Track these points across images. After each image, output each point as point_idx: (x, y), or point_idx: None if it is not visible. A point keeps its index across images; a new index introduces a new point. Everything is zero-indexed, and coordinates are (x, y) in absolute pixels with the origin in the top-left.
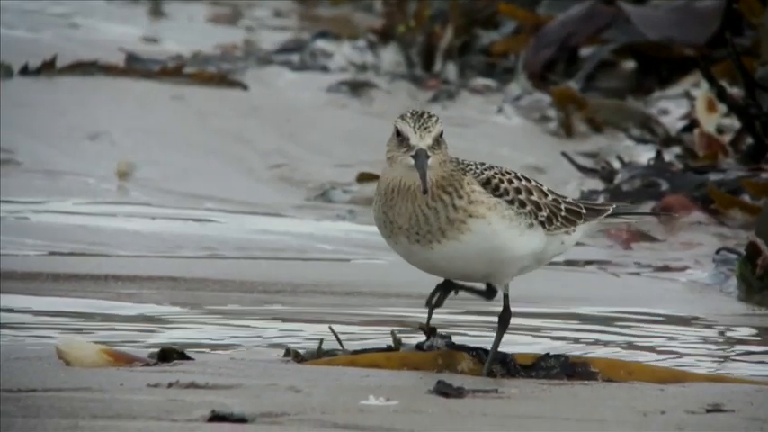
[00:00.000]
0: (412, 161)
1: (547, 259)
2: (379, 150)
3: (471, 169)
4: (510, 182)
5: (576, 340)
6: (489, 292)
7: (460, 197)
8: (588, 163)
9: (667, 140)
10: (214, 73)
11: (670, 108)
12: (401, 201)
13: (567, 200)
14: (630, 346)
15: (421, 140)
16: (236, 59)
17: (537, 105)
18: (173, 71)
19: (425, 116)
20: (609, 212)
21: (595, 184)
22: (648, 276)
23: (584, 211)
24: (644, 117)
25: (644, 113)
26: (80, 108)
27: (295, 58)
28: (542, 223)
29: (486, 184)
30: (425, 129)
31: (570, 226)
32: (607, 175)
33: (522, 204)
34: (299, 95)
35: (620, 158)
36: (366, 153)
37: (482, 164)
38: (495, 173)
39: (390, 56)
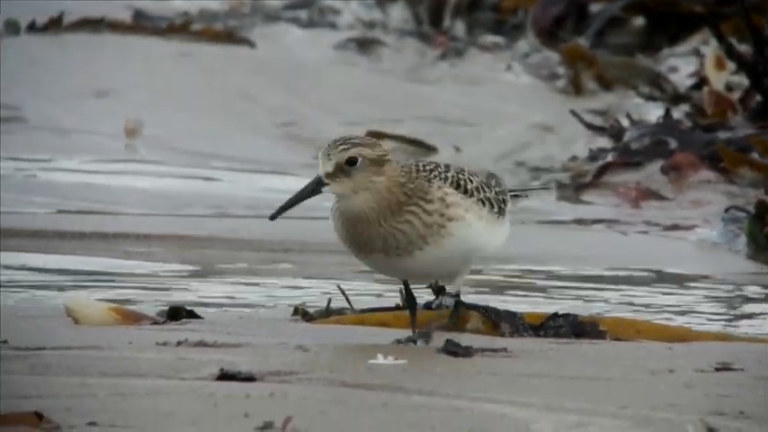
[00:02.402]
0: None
1: None
2: (388, 108)
3: (435, 174)
4: (470, 180)
5: (585, 299)
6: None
7: (430, 201)
8: (597, 121)
9: (676, 98)
10: (221, 30)
11: (679, 65)
12: (365, 227)
13: (496, 189)
14: (639, 305)
15: (321, 167)
16: (243, 16)
17: (546, 63)
18: (180, 28)
19: (335, 143)
20: (507, 190)
21: (604, 142)
22: (657, 235)
23: (505, 197)
24: (653, 74)
25: (653, 71)
26: (87, 65)
27: (303, 14)
28: (501, 216)
29: (456, 187)
30: (327, 155)
31: (505, 215)
32: (616, 133)
33: (483, 202)
34: (306, 53)
35: (629, 116)
36: (374, 111)
37: (436, 164)
38: (457, 172)
39: (398, 13)
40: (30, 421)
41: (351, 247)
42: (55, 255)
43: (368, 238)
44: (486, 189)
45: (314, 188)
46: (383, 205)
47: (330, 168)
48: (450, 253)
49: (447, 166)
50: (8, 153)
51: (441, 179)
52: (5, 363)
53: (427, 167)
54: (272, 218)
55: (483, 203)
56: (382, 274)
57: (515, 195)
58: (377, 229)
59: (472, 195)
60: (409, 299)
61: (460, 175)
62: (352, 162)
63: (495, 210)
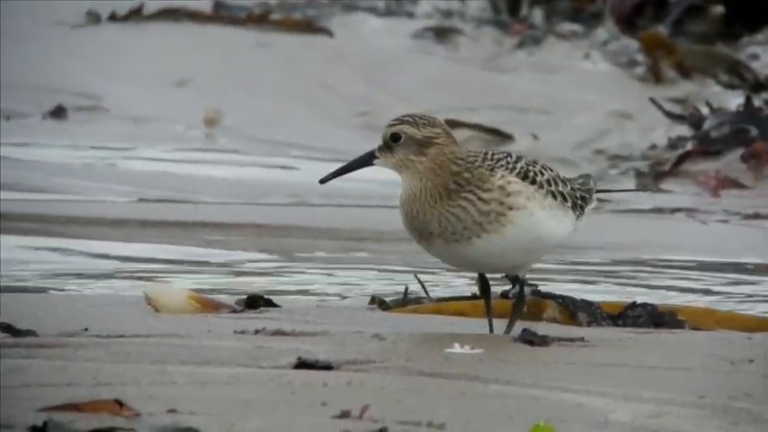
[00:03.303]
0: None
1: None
2: (465, 97)
3: (503, 164)
4: (541, 173)
5: (664, 288)
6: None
7: (488, 189)
8: (676, 109)
9: (756, 86)
10: (300, 19)
11: (759, 53)
12: (420, 207)
13: (575, 185)
14: (718, 294)
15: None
16: (321, 6)
17: (624, 51)
18: (259, 18)
19: (394, 118)
20: (594, 189)
21: (683, 130)
22: (737, 224)
23: (587, 195)
24: (733, 62)
25: (733, 59)
26: (167, 55)
27: (380, 4)
28: (573, 210)
29: (524, 177)
30: (383, 132)
31: (582, 212)
32: (695, 121)
33: (554, 195)
34: (384, 42)
35: (708, 104)
36: (451, 100)
37: (508, 154)
38: (527, 164)
39: (476, 1)
40: (110, 408)
41: (411, 232)
42: (135, 243)
43: (423, 220)
44: (560, 183)
45: (366, 159)
46: (428, 186)
47: (382, 143)
48: (510, 242)
49: (518, 158)
50: (89, 142)
51: (507, 169)
52: (87, 350)
53: (495, 157)
54: (323, 181)
55: (554, 196)
56: (447, 263)
57: (601, 199)
58: (430, 210)
59: (541, 187)
60: (483, 286)
61: (530, 167)
62: (395, 138)
63: (569, 204)
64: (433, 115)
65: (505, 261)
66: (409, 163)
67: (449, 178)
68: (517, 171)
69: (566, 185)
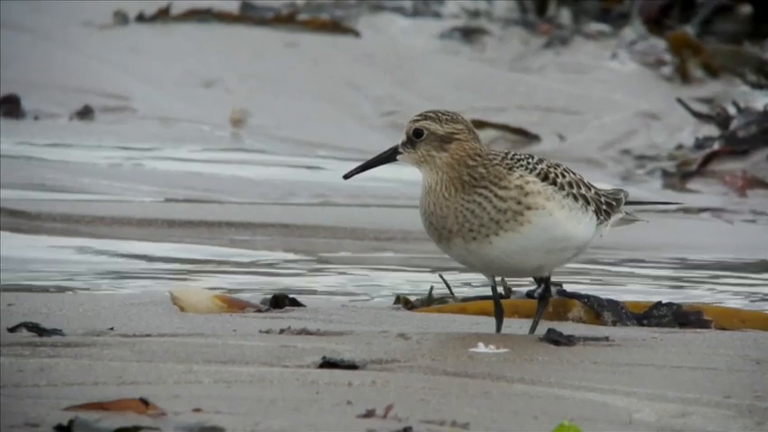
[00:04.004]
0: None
1: (585, 250)
2: (491, 97)
3: (522, 164)
4: (563, 175)
5: (689, 288)
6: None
7: (504, 188)
8: (703, 109)
9: None
10: (327, 20)
11: None
12: (435, 200)
13: (601, 192)
14: (744, 294)
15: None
16: (348, 6)
17: (652, 50)
18: (286, 18)
19: (416, 115)
20: (624, 200)
21: (710, 130)
22: (764, 224)
23: (614, 202)
24: (760, 62)
25: (760, 58)
26: (195, 55)
27: (407, 4)
28: (595, 213)
29: (544, 178)
30: (406, 128)
31: (608, 218)
32: (722, 121)
33: (576, 197)
34: (411, 42)
35: (735, 104)
36: (478, 99)
37: (529, 156)
38: (548, 166)
39: (503, 1)
40: (136, 407)
41: (431, 232)
42: (161, 243)
43: (440, 216)
44: (582, 186)
45: (389, 155)
46: (444, 179)
47: (405, 138)
48: (529, 241)
49: (540, 160)
50: (116, 142)
51: (526, 169)
52: (112, 350)
53: (515, 157)
54: (346, 177)
55: (575, 198)
56: (469, 266)
57: (629, 213)
58: (445, 203)
59: (562, 188)
60: (496, 299)
61: (551, 169)
62: (418, 134)
63: (591, 208)
64: (461, 113)
65: (526, 262)
66: (429, 158)
67: (463, 170)
68: (537, 172)
69: (589, 189)
